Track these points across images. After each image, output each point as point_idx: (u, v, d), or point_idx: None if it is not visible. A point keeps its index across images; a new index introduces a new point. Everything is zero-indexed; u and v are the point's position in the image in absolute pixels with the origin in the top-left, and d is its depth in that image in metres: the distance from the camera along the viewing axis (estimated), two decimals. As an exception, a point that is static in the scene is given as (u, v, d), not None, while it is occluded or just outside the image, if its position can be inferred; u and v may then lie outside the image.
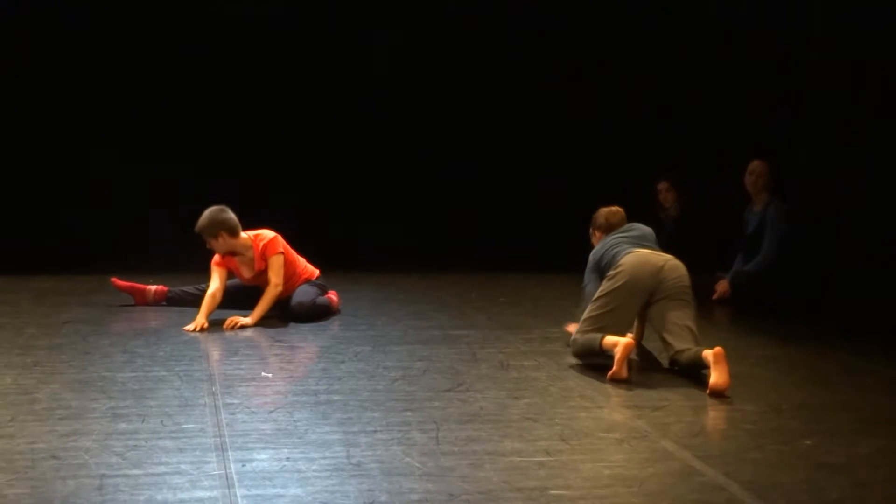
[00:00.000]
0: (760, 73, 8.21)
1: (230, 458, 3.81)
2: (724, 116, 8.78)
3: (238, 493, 3.45)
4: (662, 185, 8.43)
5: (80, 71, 9.33)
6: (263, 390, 4.89)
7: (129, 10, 9.33)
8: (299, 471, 3.69)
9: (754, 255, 7.56)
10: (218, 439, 4.02)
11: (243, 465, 3.73)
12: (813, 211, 7.41)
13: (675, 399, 4.81)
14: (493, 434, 4.16)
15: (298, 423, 4.26)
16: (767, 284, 7.38)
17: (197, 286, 6.84)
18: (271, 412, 4.43)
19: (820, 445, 4.13)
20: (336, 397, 4.68)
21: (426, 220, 9.65)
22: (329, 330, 6.35)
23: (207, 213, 6.40)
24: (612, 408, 4.67)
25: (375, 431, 4.17)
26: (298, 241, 6.84)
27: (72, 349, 5.57)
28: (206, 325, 6.18)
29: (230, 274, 6.58)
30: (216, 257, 6.51)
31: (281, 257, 6.46)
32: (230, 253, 6.49)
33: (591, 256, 5.61)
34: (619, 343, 5.05)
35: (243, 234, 6.48)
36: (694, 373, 5.10)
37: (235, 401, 4.59)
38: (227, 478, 3.60)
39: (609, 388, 4.97)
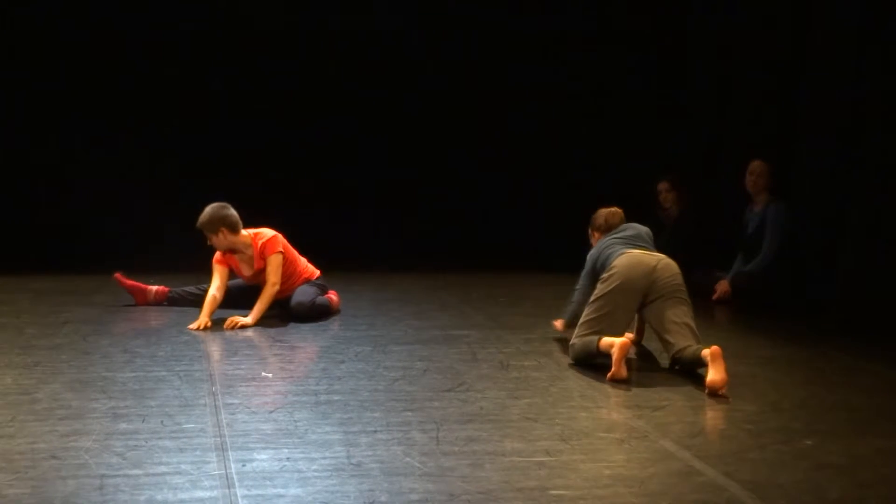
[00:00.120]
0: (761, 73, 8.21)
1: (230, 458, 3.81)
2: (724, 116, 8.78)
3: (238, 493, 3.46)
4: (663, 186, 8.43)
5: (79, 71, 9.33)
6: (264, 390, 4.89)
7: (128, 10, 9.33)
8: (299, 471, 3.69)
9: (754, 256, 7.56)
10: (218, 439, 4.02)
11: (243, 465, 3.73)
12: (813, 211, 7.42)
13: (675, 399, 4.81)
14: (493, 434, 4.16)
15: (299, 423, 4.26)
16: (767, 284, 7.39)
17: (198, 286, 6.85)
18: (271, 412, 4.44)
19: (820, 445, 4.13)
20: (336, 397, 4.68)
21: (426, 220, 9.65)
22: (329, 330, 6.35)
23: (209, 208, 6.41)
24: (612, 408, 4.68)
25: (376, 431, 4.17)
26: (298, 241, 6.83)
27: (72, 349, 5.57)
28: (209, 324, 6.20)
29: (231, 274, 6.58)
30: (217, 255, 6.52)
31: (279, 256, 6.46)
32: (231, 250, 6.50)
33: (588, 258, 5.63)
34: (615, 343, 5.05)
35: (244, 232, 6.49)
36: (695, 371, 5.11)
37: (236, 401, 4.59)
38: (227, 478, 3.60)
39: (609, 388, 4.97)
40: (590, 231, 5.89)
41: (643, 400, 4.76)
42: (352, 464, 3.77)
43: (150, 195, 9.13)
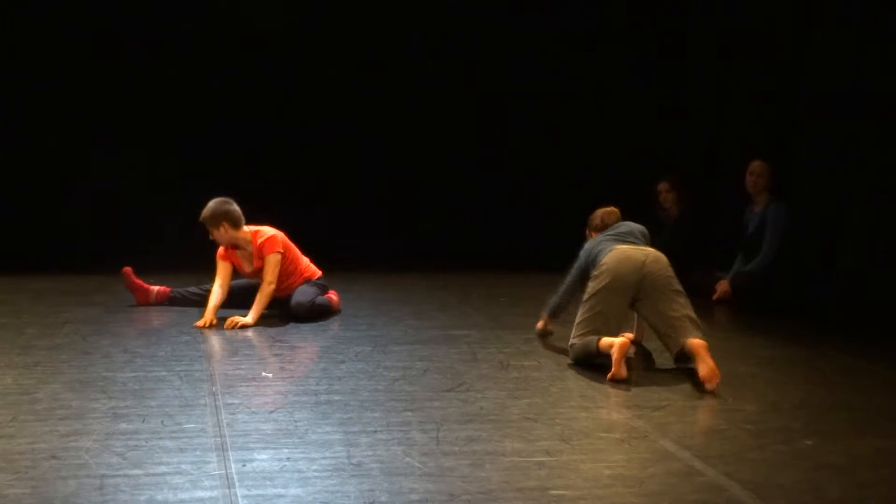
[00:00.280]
0: (761, 73, 8.21)
1: (231, 458, 3.81)
2: (724, 116, 8.77)
3: (238, 493, 3.46)
4: (663, 186, 8.43)
5: (79, 71, 9.33)
6: (264, 390, 4.89)
7: (128, 10, 9.33)
8: (300, 471, 3.69)
9: (754, 256, 7.56)
10: (218, 439, 4.02)
11: (244, 465, 3.73)
12: (813, 211, 7.42)
13: (675, 399, 4.81)
14: (493, 434, 4.17)
15: (299, 423, 4.26)
16: (767, 284, 7.39)
17: (199, 286, 6.86)
18: (272, 412, 4.44)
19: (820, 445, 4.13)
20: (336, 397, 4.68)
21: (426, 220, 9.65)
22: (329, 330, 6.35)
23: (212, 203, 6.45)
24: (612, 408, 4.68)
25: (376, 431, 4.17)
26: (298, 242, 6.83)
27: (72, 349, 5.57)
28: (214, 322, 6.23)
29: (235, 273, 6.60)
30: (220, 250, 6.55)
31: (277, 256, 6.47)
32: (233, 246, 6.52)
33: (580, 253, 5.68)
34: (614, 344, 5.06)
35: (246, 228, 6.50)
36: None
37: (236, 401, 4.60)
38: (227, 478, 3.60)
39: (609, 388, 4.97)
40: (587, 231, 5.91)
41: (643, 400, 4.76)
42: (352, 464, 3.77)
43: (150, 195, 9.12)
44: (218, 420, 4.28)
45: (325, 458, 3.83)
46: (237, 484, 3.54)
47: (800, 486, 3.66)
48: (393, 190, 9.76)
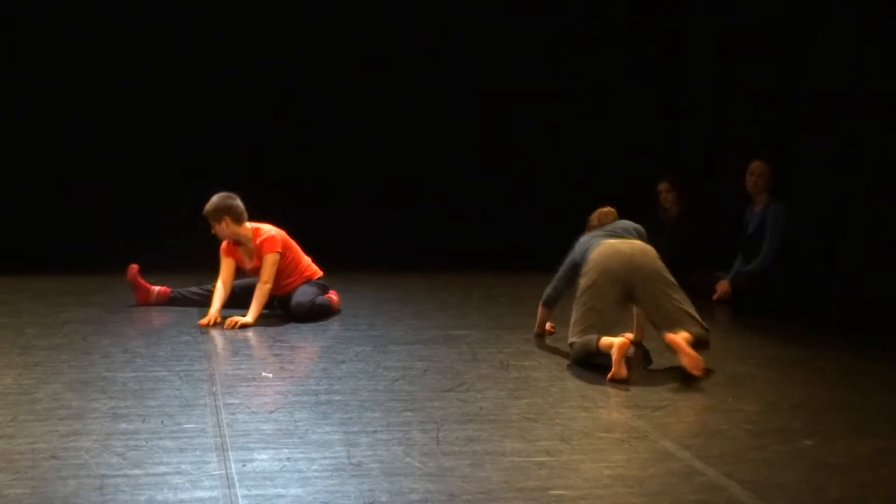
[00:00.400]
0: (761, 73, 8.21)
1: (231, 458, 3.81)
2: (724, 116, 8.77)
3: (238, 493, 3.46)
4: (663, 186, 8.43)
5: (79, 71, 9.33)
6: (264, 390, 4.89)
7: (128, 10, 9.32)
8: (300, 471, 3.69)
9: (754, 256, 7.55)
10: (218, 439, 4.02)
11: (244, 465, 3.73)
12: (813, 211, 7.42)
13: (675, 399, 4.81)
14: (493, 434, 4.17)
15: (299, 423, 4.26)
16: (767, 284, 7.38)
17: (200, 287, 6.86)
18: (272, 412, 4.44)
19: (820, 445, 4.13)
20: (336, 397, 4.68)
21: (426, 220, 9.64)
22: (329, 330, 6.35)
23: (215, 197, 6.48)
24: (612, 408, 4.68)
25: (376, 431, 4.17)
26: (298, 242, 6.83)
27: (72, 349, 5.57)
28: (218, 319, 6.25)
29: (239, 272, 6.61)
30: (224, 244, 6.56)
31: (275, 256, 6.48)
32: (235, 242, 6.53)
33: (576, 246, 5.74)
34: (614, 344, 5.07)
35: (248, 225, 6.52)
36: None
37: (236, 401, 4.60)
38: (227, 478, 3.60)
39: (609, 388, 4.97)
40: (585, 232, 5.92)
41: (643, 400, 4.76)
42: (352, 464, 3.77)
43: (150, 195, 9.12)
44: (218, 420, 4.28)
45: (325, 458, 3.83)
46: (237, 484, 3.54)
47: (800, 486, 3.66)
48: (393, 190, 9.76)
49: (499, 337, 6.11)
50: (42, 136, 9.33)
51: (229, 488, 3.50)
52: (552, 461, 3.85)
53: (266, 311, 6.47)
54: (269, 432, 4.14)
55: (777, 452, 4.03)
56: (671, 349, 5.20)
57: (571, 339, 5.37)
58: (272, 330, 6.22)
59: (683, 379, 5.13)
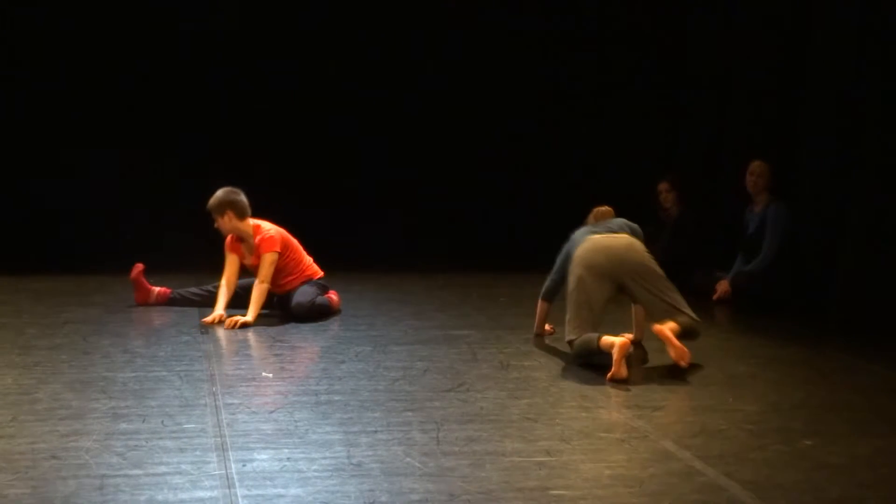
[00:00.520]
0: (761, 73, 8.21)
1: (231, 458, 3.81)
2: (724, 116, 8.77)
3: (238, 493, 3.46)
4: (663, 186, 8.43)
5: (79, 71, 9.32)
6: (264, 390, 4.89)
7: (129, 10, 9.32)
8: (300, 471, 3.69)
9: (754, 256, 7.56)
10: (218, 439, 4.02)
11: (244, 466, 3.73)
12: (813, 211, 7.41)
13: (675, 399, 4.81)
14: (493, 434, 4.17)
15: (299, 424, 4.26)
16: (767, 284, 7.38)
17: (200, 287, 6.86)
18: (272, 412, 4.44)
19: (820, 445, 4.13)
20: (337, 397, 4.68)
21: (426, 220, 9.64)
22: (329, 330, 6.35)
23: (220, 191, 6.52)
24: (612, 408, 4.68)
25: (376, 431, 4.17)
26: (299, 241, 6.83)
27: (72, 349, 5.57)
28: (223, 317, 6.25)
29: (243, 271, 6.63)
30: (228, 240, 6.59)
31: (273, 255, 6.49)
32: (238, 238, 6.54)
33: (572, 238, 5.78)
34: (615, 343, 5.07)
35: (250, 221, 6.54)
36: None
37: (236, 401, 4.60)
38: (227, 478, 3.60)
39: (609, 388, 4.97)
40: None
41: (643, 400, 4.76)
42: (352, 464, 3.77)
43: (150, 195, 9.12)
44: (218, 420, 4.28)
45: (325, 458, 3.83)
46: (237, 484, 3.54)
47: (800, 486, 3.66)
48: (393, 190, 9.76)
49: (499, 337, 6.11)
50: (42, 136, 9.32)
51: (229, 488, 3.50)
52: (552, 461, 3.85)
53: (266, 311, 6.48)
54: (269, 432, 4.14)
55: (777, 452, 4.03)
56: (660, 336, 5.28)
57: (569, 337, 5.38)
58: (272, 330, 6.23)
59: (683, 379, 5.13)
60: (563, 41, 9.91)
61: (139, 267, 6.87)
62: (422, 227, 9.57)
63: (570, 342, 5.37)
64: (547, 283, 5.98)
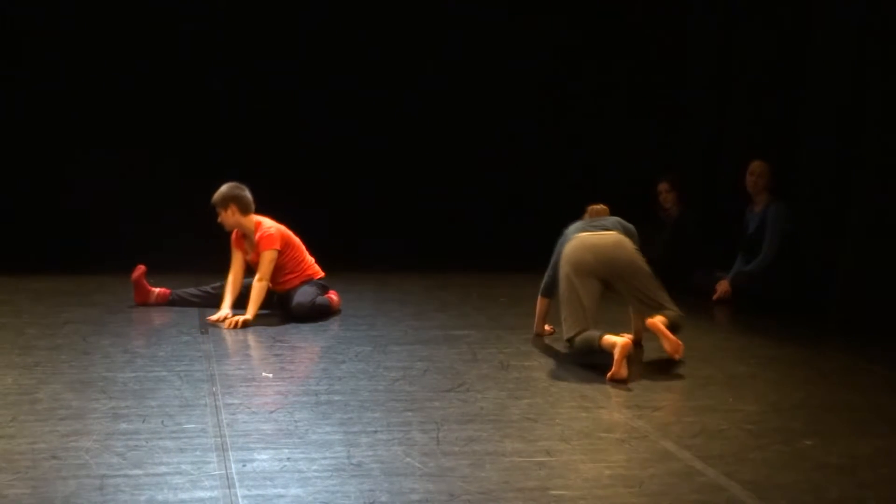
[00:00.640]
0: (761, 73, 8.21)
1: (231, 458, 3.81)
2: (724, 116, 8.77)
3: (239, 494, 3.46)
4: (663, 186, 8.43)
5: (79, 71, 9.33)
6: (264, 390, 4.89)
7: (129, 10, 9.32)
8: (300, 471, 3.69)
9: (754, 256, 7.56)
10: (218, 439, 4.02)
11: (244, 466, 3.73)
12: (813, 211, 7.42)
13: (675, 399, 4.81)
14: (493, 434, 4.17)
15: (299, 424, 4.26)
16: (767, 284, 7.39)
17: (199, 288, 6.87)
18: (272, 412, 4.44)
19: (820, 445, 4.13)
20: (337, 397, 4.68)
21: (426, 220, 9.64)
22: (329, 330, 6.35)
23: (225, 186, 6.55)
24: (612, 408, 4.68)
25: (376, 432, 4.17)
26: (302, 241, 6.83)
27: (72, 349, 5.57)
28: (229, 315, 6.26)
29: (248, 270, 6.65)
30: (233, 235, 6.62)
31: (273, 254, 6.50)
32: (243, 234, 6.55)
33: (562, 236, 5.82)
34: (616, 343, 5.07)
35: (254, 217, 6.56)
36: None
37: (236, 401, 4.60)
38: (227, 478, 3.60)
39: (609, 388, 4.97)
40: None
41: (643, 400, 4.76)
42: (352, 464, 3.77)
43: (150, 195, 9.12)
44: (218, 420, 4.28)
45: (325, 458, 3.83)
46: (237, 484, 3.54)
47: (800, 486, 3.66)
48: (393, 190, 9.76)
49: (499, 337, 6.12)
50: (42, 136, 9.32)
51: (229, 488, 3.50)
52: (552, 461, 3.85)
53: (266, 311, 6.48)
54: (269, 432, 4.14)
55: (777, 452, 4.03)
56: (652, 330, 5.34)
57: (567, 335, 5.38)
58: (272, 330, 6.23)
59: (683, 379, 5.14)
60: (563, 41, 9.91)
61: (141, 268, 6.88)
62: (422, 227, 9.58)
63: (569, 340, 5.37)
64: (545, 279, 5.99)
